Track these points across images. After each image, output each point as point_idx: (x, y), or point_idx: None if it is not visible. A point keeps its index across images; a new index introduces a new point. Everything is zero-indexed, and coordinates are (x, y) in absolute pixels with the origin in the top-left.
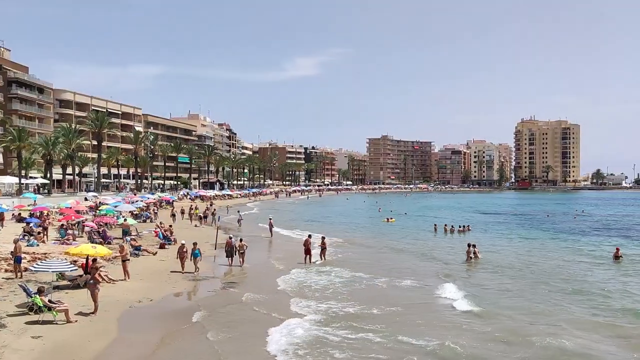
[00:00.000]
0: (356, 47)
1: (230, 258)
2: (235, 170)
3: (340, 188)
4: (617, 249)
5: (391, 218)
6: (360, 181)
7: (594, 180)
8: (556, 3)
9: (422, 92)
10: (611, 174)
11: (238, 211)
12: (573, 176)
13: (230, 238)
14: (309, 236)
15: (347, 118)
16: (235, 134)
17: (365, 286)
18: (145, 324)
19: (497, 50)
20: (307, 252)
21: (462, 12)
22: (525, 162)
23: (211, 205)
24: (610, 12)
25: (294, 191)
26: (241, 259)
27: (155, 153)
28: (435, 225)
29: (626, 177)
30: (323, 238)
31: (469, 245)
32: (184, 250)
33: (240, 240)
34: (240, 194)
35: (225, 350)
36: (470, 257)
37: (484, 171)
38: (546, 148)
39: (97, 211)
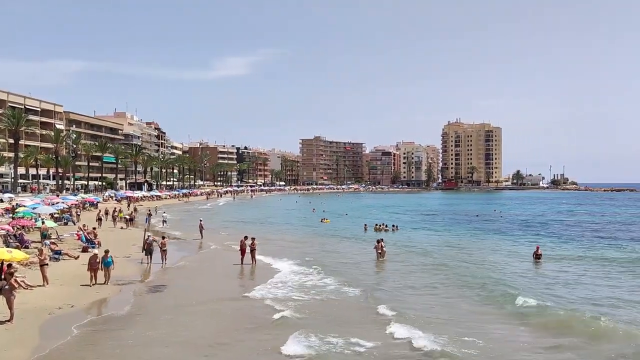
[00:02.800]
0: (287, 48)
1: (149, 256)
2: (164, 170)
3: (272, 189)
4: (537, 248)
5: (326, 219)
6: (294, 182)
7: (514, 181)
8: (480, 13)
9: (354, 94)
10: (530, 175)
11: (163, 212)
12: (495, 177)
13: (149, 237)
14: (245, 238)
15: (280, 119)
16: (165, 133)
17: (280, 285)
18: (66, 332)
19: (426, 56)
20: (242, 253)
21: (394, 16)
22: (452, 163)
23: (135, 210)
24: (530, 22)
25: (226, 192)
26: (164, 257)
27: (78, 152)
28: (365, 225)
29: (543, 178)
30: (253, 239)
31: (377, 242)
32: (97, 260)
33: (163, 238)
34: (169, 195)
35: (149, 354)
36: (379, 253)
37: (412, 172)
38: (471, 150)
39: (14, 213)
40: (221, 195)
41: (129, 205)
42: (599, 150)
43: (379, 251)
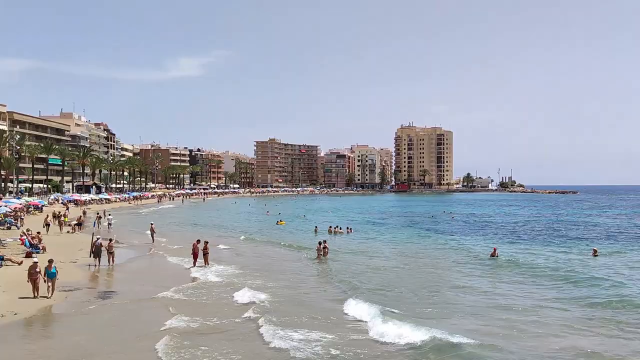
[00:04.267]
0: (242, 50)
1: (97, 259)
2: (114, 172)
3: (226, 191)
4: (495, 249)
5: (281, 221)
6: (248, 184)
7: (465, 183)
8: (431, 20)
9: (309, 97)
10: (479, 178)
11: (109, 215)
12: (447, 179)
13: (98, 239)
14: (197, 241)
15: (234, 121)
16: (114, 134)
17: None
18: (9, 341)
19: (379, 61)
20: (195, 256)
21: (347, 22)
22: (405, 166)
23: (84, 214)
24: (480, 31)
25: (178, 195)
26: (111, 258)
27: (22, 154)
28: (316, 227)
29: (492, 180)
30: (206, 243)
31: (319, 243)
32: (37, 270)
33: (110, 240)
34: (119, 198)
35: None
36: (320, 254)
37: (367, 174)
38: (423, 153)
39: None
40: (173, 198)
41: (67, 208)
42: (545, 153)
43: (320, 252)
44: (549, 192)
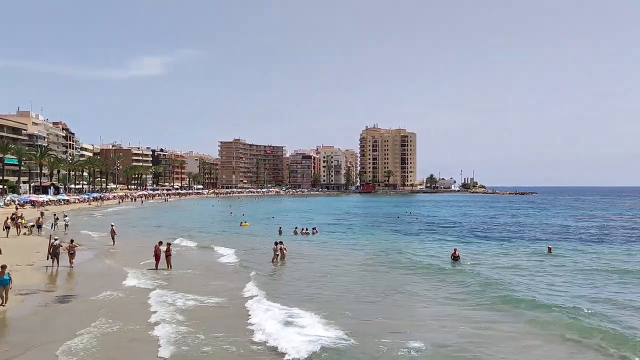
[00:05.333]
0: (206, 49)
1: (55, 260)
2: (73, 173)
3: (190, 192)
4: (455, 250)
5: (245, 222)
6: (212, 185)
7: (428, 185)
8: (395, 22)
9: (274, 98)
10: (442, 179)
11: (65, 216)
12: (410, 180)
13: (56, 240)
14: (159, 243)
15: (198, 121)
16: (73, 134)
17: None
18: None
19: (344, 62)
20: (157, 258)
21: (313, 23)
22: (369, 167)
23: (42, 215)
24: (443, 35)
25: (140, 195)
26: (71, 260)
27: None
28: (280, 228)
29: (454, 182)
30: (169, 244)
31: (275, 244)
32: None
33: (71, 241)
34: (78, 199)
35: None
36: (277, 255)
37: (332, 175)
38: (387, 154)
39: None
40: (135, 199)
41: (41, 214)
42: (506, 155)
43: (277, 253)
44: (509, 193)
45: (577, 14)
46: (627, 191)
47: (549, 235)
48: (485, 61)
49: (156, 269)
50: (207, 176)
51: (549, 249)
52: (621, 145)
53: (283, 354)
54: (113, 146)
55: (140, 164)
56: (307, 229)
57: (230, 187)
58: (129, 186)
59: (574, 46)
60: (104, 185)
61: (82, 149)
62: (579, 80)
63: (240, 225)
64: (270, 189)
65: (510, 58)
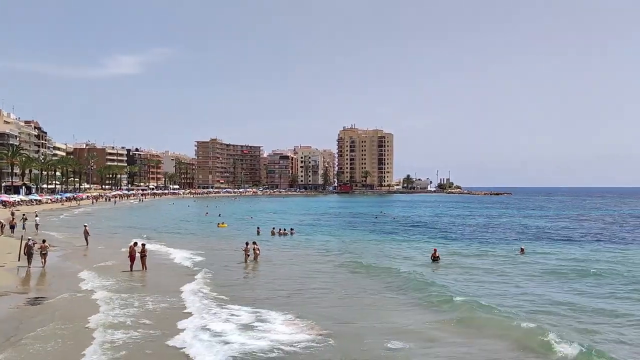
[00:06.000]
0: (182, 48)
1: (28, 260)
2: (45, 172)
3: (165, 192)
4: (435, 250)
5: (222, 223)
6: (189, 185)
7: (405, 185)
8: (376, 26)
9: (251, 97)
10: (419, 179)
11: (36, 216)
12: (387, 181)
13: (29, 240)
14: (134, 244)
15: (174, 120)
16: (46, 133)
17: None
18: None
19: (322, 63)
20: (132, 259)
21: (291, 22)
22: (347, 168)
23: (13, 215)
24: (419, 39)
25: (115, 196)
26: (43, 260)
27: None
28: (258, 228)
29: (431, 182)
30: (143, 245)
31: (246, 244)
32: None
33: (44, 241)
34: (51, 199)
35: None
36: (248, 255)
37: (310, 176)
38: (365, 155)
39: None
40: (109, 199)
41: (12, 214)
42: (482, 155)
43: (248, 254)
44: (484, 194)
45: (546, 14)
46: (596, 192)
47: (520, 236)
48: (462, 63)
49: (131, 270)
50: (183, 176)
51: (522, 249)
52: (589, 147)
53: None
54: (87, 145)
55: (115, 163)
56: (285, 230)
57: (207, 187)
58: (103, 186)
59: (545, 47)
60: (77, 185)
61: (55, 148)
62: (550, 82)
63: (218, 226)
64: (248, 189)
65: (486, 59)
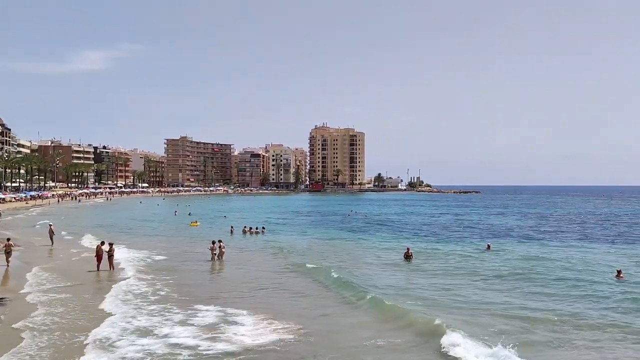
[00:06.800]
0: (151, 43)
1: None
2: (9, 170)
3: (134, 190)
4: (408, 249)
5: (194, 222)
6: (158, 183)
7: (376, 183)
8: (349, 26)
9: (222, 95)
10: (390, 178)
11: None
12: (359, 179)
13: None
14: (101, 243)
15: (143, 118)
16: (10, 129)
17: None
18: None
19: (295, 61)
20: (99, 259)
21: (264, 21)
22: (319, 166)
23: None
24: (392, 38)
25: (81, 194)
26: (7, 259)
27: None
28: (232, 227)
29: (402, 180)
30: (111, 245)
31: (213, 242)
32: None
33: (8, 240)
34: (14, 198)
35: None
36: (215, 254)
37: (281, 174)
38: (336, 153)
39: None
40: (75, 198)
41: None
42: (451, 155)
43: (215, 252)
44: (454, 192)
45: (522, 14)
46: (557, 190)
47: (485, 233)
48: (432, 63)
49: (98, 270)
50: (152, 174)
51: (488, 246)
52: (552, 147)
53: None
54: (52, 143)
55: (82, 161)
56: (256, 228)
57: (177, 186)
58: (70, 184)
59: (520, 47)
60: (42, 184)
61: (19, 145)
62: (518, 81)
63: (190, 225)
64: (218, 188)
65: (457, 58)
